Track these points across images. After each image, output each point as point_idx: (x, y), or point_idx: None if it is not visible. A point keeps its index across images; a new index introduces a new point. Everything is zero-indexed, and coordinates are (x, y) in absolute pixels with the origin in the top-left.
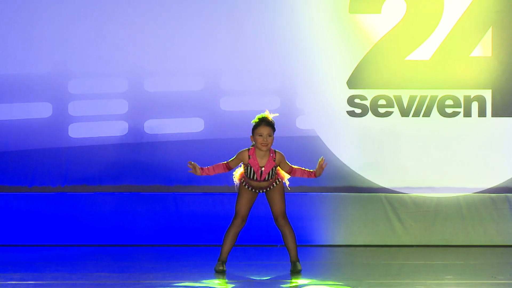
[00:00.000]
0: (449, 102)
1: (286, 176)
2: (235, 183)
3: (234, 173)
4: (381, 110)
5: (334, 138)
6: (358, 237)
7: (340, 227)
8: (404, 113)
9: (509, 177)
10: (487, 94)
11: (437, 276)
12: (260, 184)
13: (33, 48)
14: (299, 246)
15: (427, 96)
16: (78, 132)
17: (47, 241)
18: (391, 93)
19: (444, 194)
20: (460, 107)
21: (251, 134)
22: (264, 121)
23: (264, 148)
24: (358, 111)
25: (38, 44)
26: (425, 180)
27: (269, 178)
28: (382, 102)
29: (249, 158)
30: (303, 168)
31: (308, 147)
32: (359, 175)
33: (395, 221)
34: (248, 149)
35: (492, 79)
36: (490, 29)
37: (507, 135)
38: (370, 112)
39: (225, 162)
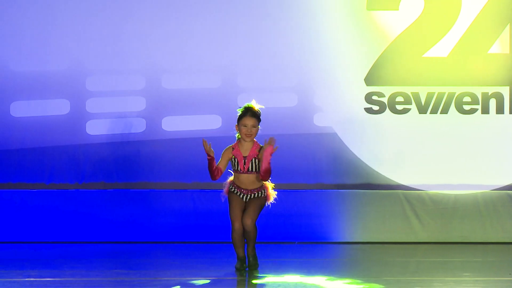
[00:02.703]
0: (467, 99)
1: (271, 195)
2: (224, 196)
3: (223, 188)
4: (399, 107)
5: (351, 135)
6: (375, 234)
7: (357, 224)
8: (422, 110)
9: None
10: (505, 91)
11: (455, 273)
12: (248, 180)
13: (50, 45)
14: (317, 243)
15: (444, 93)
16: (96, 129)
17: (64, 238)
18: (408, 90)
19: (461, 191)
20: (478, 104)
21: (236, 124)
22: (249, 112)
23: (248, 139)
24: (375, 108)
25: (56, 41)
26: (443, 177)
27: (253, 169)
28: (399, 99)
29: (232, 149)
30: (262, 168)
31: (326, 144)
32: (376, 172)
33: (413, 218)
34: (232, 145)
35: (510, 76)
36: (508, 25)
37: None
38: (387, 109)
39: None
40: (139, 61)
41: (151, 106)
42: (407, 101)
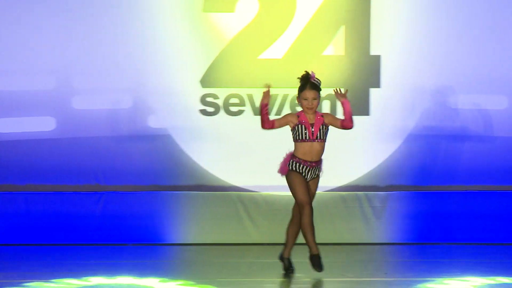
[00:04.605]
0: None
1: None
2: (282, 174)
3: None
4: (233, 109)
5: (186, 137)
6: (209, 235)
7: (191, 225)
8: (256, 111)
9: (359, 176)
10: None
11: (287, 274)
12: (315, 149)
13: None
14: (150, 245)
15: (278, 94)
16: None
17: None
18: (243, 91)
19: None
20: None
21: (297, 96)
22: (309, 84)
23: (310, 112)
24: (210, 109)
25: None
26: (277, 178)
27: (321, 136)
28: (234, 100)
29: (298, 116)
30: (342, 118)
31: (160, 146)
32: (211, 174)
33: (246, 220)
34: (296, 112)
35: (344, 77)
36: (343, 27)
37: (357, 133)
38: (222, 110)
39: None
40: None
41: None
42: (241, 103)
